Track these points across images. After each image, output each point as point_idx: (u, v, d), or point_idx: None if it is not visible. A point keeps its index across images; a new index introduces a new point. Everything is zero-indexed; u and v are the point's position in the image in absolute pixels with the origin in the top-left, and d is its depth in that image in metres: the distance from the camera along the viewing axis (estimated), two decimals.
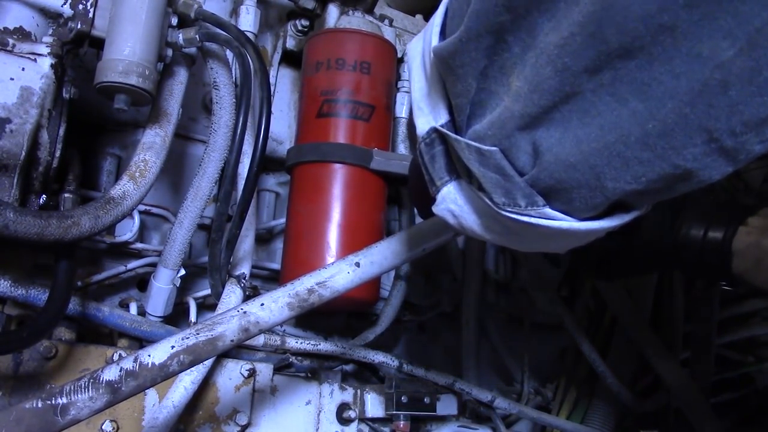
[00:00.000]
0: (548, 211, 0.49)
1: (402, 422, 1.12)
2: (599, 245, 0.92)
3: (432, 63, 0.55)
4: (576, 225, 0.50)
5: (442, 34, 0.55)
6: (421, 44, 0.58)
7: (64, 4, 0.86)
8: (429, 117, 0.56)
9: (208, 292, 1.06)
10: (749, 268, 0.85)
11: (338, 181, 1.09)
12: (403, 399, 1.11)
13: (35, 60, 0.82)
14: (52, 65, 0.83)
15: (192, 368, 0.80)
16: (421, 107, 0.57)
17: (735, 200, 1.46)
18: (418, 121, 0.58)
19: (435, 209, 0.59)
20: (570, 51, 0.44)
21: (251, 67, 0.92)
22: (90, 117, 1.05)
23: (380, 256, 0.80)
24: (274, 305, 0.75)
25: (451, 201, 0.56)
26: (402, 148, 1.23)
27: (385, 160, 1.10)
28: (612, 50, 0.42)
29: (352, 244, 1.05)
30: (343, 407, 1.11)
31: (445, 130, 0.54)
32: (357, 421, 1.12)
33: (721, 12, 0.39)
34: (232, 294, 0.97)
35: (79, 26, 0.85)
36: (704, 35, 0.40)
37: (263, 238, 1.25)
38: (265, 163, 1.21)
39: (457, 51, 0.51)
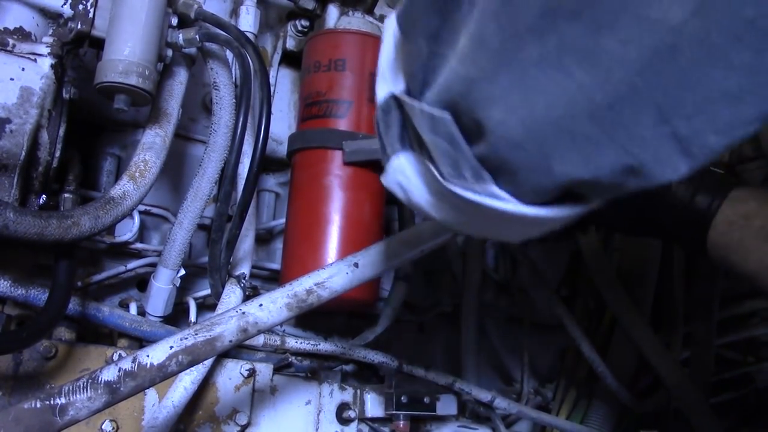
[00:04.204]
0: (494, 188, 0.47)
1: (402, 422, 1.12)
2: None
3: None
4: (522, 208, 0.47)
5: None
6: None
7: (64, 4, 0.86)
8: (390, 84, 0.54)
9: (208, 292, 1.06)
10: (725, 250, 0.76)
11: (336, 167, 1.09)
12: (403, 399, 1.11)
13: (35, 60, 0.82)
14: (52, 65, 0.83)
15: (191, 368, 0.81)
16: (384, 76, 0.55)
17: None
18: (378, 90, 0.55)
19: (383, 180, 0.57)
20: (515, 3, 0.41)
21: (251, 67, 0.92)
22: (90, 117, 1.05)
23: (379, 257, 0.81)
24: (273, 306, 0.75)
25: (400, 173, 0.54)
26: None
27: (357, 149, 1.06)
28: (558, 5, 0.39)
29: (352, 233, 1.06)
30: (342, 407, 1.11)
31: (402, 95, 0.52)
32: (357, 421, 1.12)
33: None
34: (232, 294, 0.97)
35: (79, 26, 0.85)
36: None
37: (263, 238, 1.25)
38: (265, 163, 1.22)
39: (409, 10, 0.49)
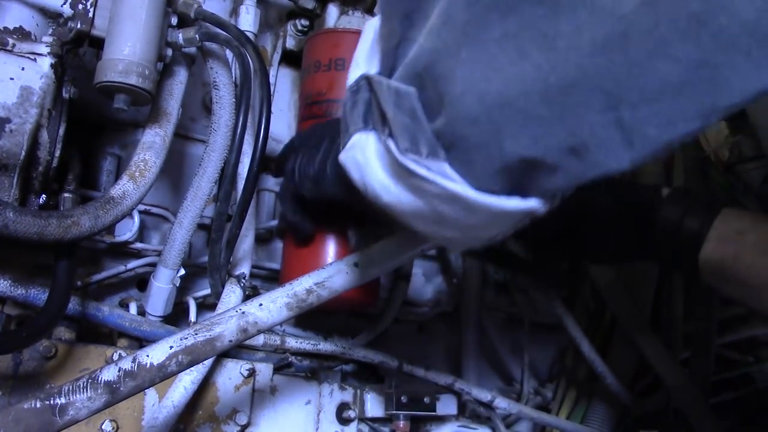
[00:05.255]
0: (446, 168, 0.48)
1: (402, 422, 1.12)
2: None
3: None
4: (471, 193, 0.48)
5: None
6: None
7: (64, 3, 0.86)
8: (362, 68, 0.56)
9: (207, 291, 1.06)
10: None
11: None
12: (403, 399, 1.11)
13: (35, 60, 0.82)
14: (52, 65, 0.83)
15: (191, 368, 0.80)
16: (358, 63, 0.57)
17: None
18: (350, 76, 0.57)
19: (341, 156, 0.57)
20: None
21: (251, 66, 0.92)
22: (90, 117, 1.05)
23: (379, 257, 0.80)
24: (273, 306, 0.75)
25: (360, 150, 0.55)
26: None
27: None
28: None
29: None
30: (342, 407, 1.11)
31: (372, 75, 0.54)
32: (357, 420, 1.12)
33: None
34: (231, 294, 0.97)
35: (79, 26, 0.85)
36: None
37: (263, 238, 1.25)
38: (265, 162, 1.22)
39: None
